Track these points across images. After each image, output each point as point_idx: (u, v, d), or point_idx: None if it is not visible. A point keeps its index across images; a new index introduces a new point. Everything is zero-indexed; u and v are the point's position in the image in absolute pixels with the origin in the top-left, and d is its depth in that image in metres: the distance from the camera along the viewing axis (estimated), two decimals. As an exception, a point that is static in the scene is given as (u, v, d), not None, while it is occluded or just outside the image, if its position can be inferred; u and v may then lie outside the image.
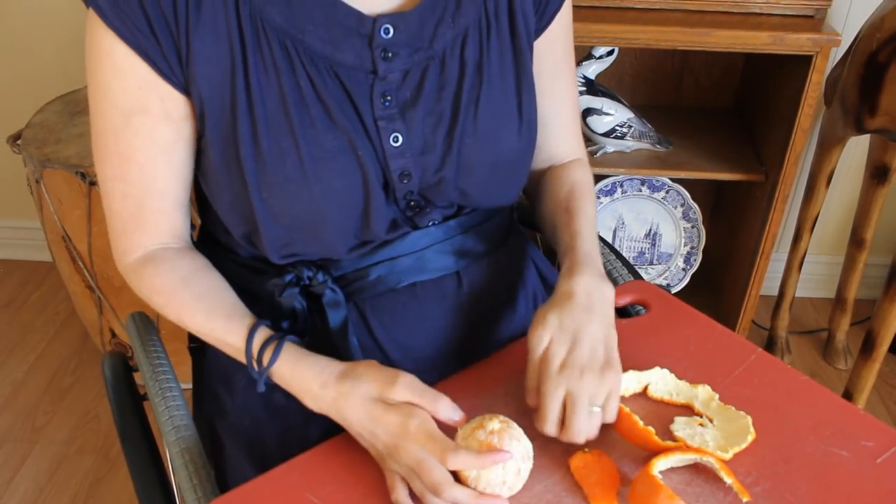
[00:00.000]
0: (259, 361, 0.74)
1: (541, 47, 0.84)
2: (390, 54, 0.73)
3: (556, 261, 0.85)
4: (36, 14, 1.83)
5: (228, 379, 0.85)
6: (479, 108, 0.77)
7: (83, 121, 1.62)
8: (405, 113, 0.75)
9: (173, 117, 0.73)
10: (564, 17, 0.85)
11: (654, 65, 1.78)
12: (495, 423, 0.67)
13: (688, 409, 0.78)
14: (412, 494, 0.68)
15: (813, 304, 2.11)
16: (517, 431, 0.68)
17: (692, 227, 1.80)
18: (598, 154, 1.63)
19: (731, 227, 1.82)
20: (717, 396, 0.77)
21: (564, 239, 0.82)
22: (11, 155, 1.60)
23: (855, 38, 1.49)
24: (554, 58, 0.86)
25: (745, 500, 0.67)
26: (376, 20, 0.72)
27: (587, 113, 1.59)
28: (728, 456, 0.70)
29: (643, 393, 0.80)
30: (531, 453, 0.68)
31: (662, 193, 1.77)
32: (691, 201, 1.77)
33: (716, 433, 0.73)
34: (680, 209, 1.78)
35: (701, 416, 0.76)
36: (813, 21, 1.40)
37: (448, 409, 0.68)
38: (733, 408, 0.75)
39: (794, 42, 1.36)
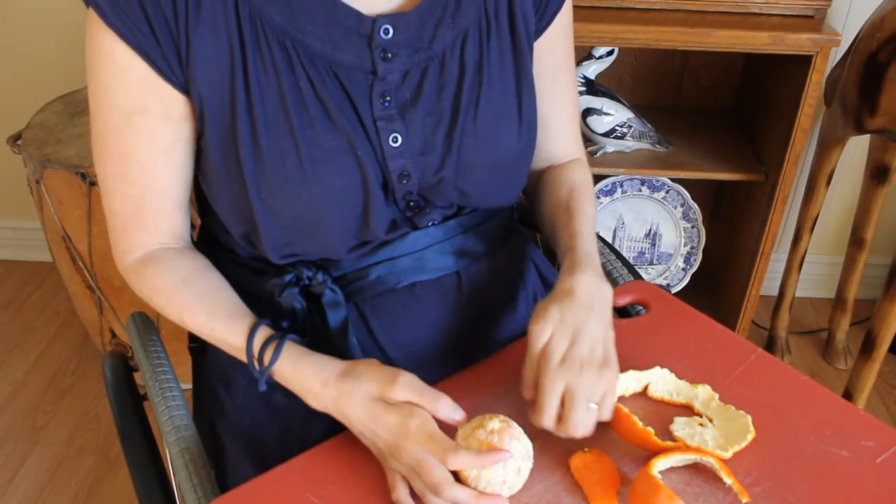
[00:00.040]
0: (260, 361, 0.74)
1: (541, 48, 0.84)
2: (390, 55, 0.73)
3: (556, 261, 0.85)
4: (36, 14, 1.83)
5: (228, 379, 0.85)
6: (479, 108, 0.77)
7: (83, 121, 1.62)
8: (405, 113, 0.75)
9: (173, 117, 0.73)
10: (564, 17, 0.85)
11: (654, 65, 1.78)
12: (495, 423, 0.67)
13: (688, 409, 0.78)
14: (413, 493, 0.68)
15: (813, 305, 2.11)
16: (517, 431, 0.68)
17: (692, 227, 1.80)
18: (597, 154, 1.63)
19: (731, 227, 1.82)
20: (716, 396, 0.77)
21: (564, 238, 0.83)
22: (11, 155, 1.60)
23: (855, 38, 1.49)
24: (554, 58, 0.86)
25: (744, 500, 0.67)
26: (376, 20, 0.72)
27: (587, 113, 1.59)
28: (728, 456, 0.70)
29: (643, 393, 0.80)
30: (531, 453, 0.69)
31: (662, 193, 1.77)
32: (691, 201, 1.77)
33: (715, 433, 0.73)
34: (680, 209, 1.78)
35: (701, 416, 0.76)
36: (813, 21, 1.40)
37: (448, 409, 0.68)
38: (733, 407, 0.75)
39: (794, 42, 1.36)
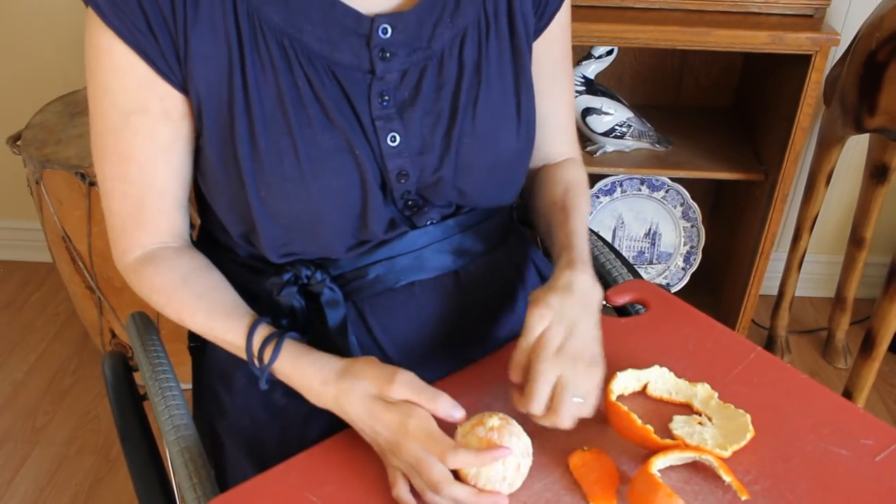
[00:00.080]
0: (260, 359, 0.74)
1: (539, 48, 0.84)
2: (388, 54, 0.73)
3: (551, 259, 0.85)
4: (36, 14, 1.83)
5: (228, 378, 0.85)
6: (478, 108, 0.77)
7: (83, 121, 1.62)
8: (403, 113, 0.75)
9: (172, 116, 0.73)
10: (563, 17, 0.85)
11: (654, 64, 1.78)
12: (495, 420, 0.68)
13: (687, 408, 0.78)
14: (414, 490, 0.68)
15: (812, 304, 2.11)
16: (516, 428, 0.68)
17: (692, 226, 1.80)
18: (597, 153, 1.63)
19: (730, 227, 1.82)
20: (716, 395, 0.77)
21: (560, 236, 0.83)
22: (11, 156, 1.60)
23: (854, 38, 1.49)
24: (552, 58, 0.86)
25: (743, 498, 0.67)
26: (374, 20, 0.72)
27: (587, 112, 1.59)
28: (727, 454, 0.70)
29: (642, 391, 0.80)
30: (531, 450, 0.69)
31: (662, 193, 1.77)
32: (691, 201, 1.77)
33: (715, 431, 0.73)
34: (679, 208, 1.78)
35: (700, 415, 0.76)
36: (812, 20, 1.40)
37: (447, 407, 0.68)
38: (732, 406, 0.75)
39: (793, 41, 1.36)
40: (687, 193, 1.76)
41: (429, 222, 0.81)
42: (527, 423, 0.71)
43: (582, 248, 0.80)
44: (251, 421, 0.84)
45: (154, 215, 0.78)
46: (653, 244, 1.83)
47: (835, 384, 1.84)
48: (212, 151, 0.73)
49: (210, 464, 0.80)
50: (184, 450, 0.79)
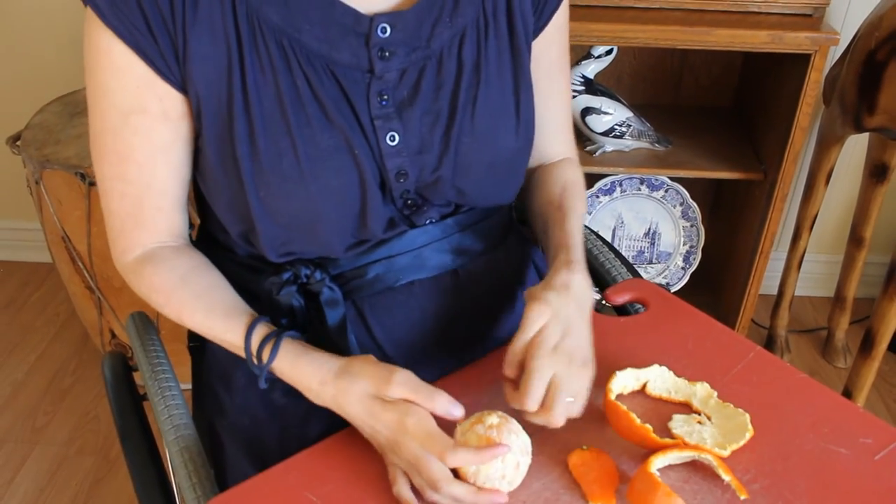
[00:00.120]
0: (259, 358, 0.74)
1: (538, 47, 0.84)
2: (387, 53, 0.73)
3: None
4: (36, 14, 1.83)
5: (228, 378, 0.86)
6: (477, 107, 0.77)
7: (82, 122, 1.62)
8: (402, 112, 0.75)
9: (171, 116, 0.73)
10: (561, 17, 0.85)
11: (653, 64, 1.78)
12: (494, 418, 0.68)
13: (686, 407, 0.78)
14: (414, 488, 0.68)
15: (812, 303, 2.11)
16: (515, 426, 0.68)
17: (691, 225, 1.80)
18: (597, 153, 1.63)
19: (730, 226, 1.82)
20: (715, 394, 0.77)
21: (557, 235, 0.83)
22: (11, 156, 1.60)
23: (853, 37, 1.49)
24: (550, 58, 0.86)
25: (742, 497, 0.67)
26: (373, 19, 0.72)
27: (586, 112, 1.59)
28: (726, 453, 0.70)
29: (641, 390, 0.80)
30: (530, 448, 0.69)
31: (661, 192, 1.77)
32: (690, 200, 1.77)
33: (714, 431, 0.73)
34: (679, 208, 1.78)
35: (699, 414, 0.76)
36: (811, 20, 1.40)
37: (446, 404, 0.68)
38: (731, 405, 0.75)
39: (792, 41, 1.36)
40: (686, 193, 1.76)
41: (428, 221, 0.81)
42: (526, 421, 0.71)
43: (579, 249, 0.80)
44: (251, 420, 0.84)
45: (153, 215, 0.78)
46: (652, 244, 1.83)
47: (834, 383, 1.84)
48: (211, 151, 0.73)
49: (210, 463, 0.80)
50: (183, 449, 0.79)
